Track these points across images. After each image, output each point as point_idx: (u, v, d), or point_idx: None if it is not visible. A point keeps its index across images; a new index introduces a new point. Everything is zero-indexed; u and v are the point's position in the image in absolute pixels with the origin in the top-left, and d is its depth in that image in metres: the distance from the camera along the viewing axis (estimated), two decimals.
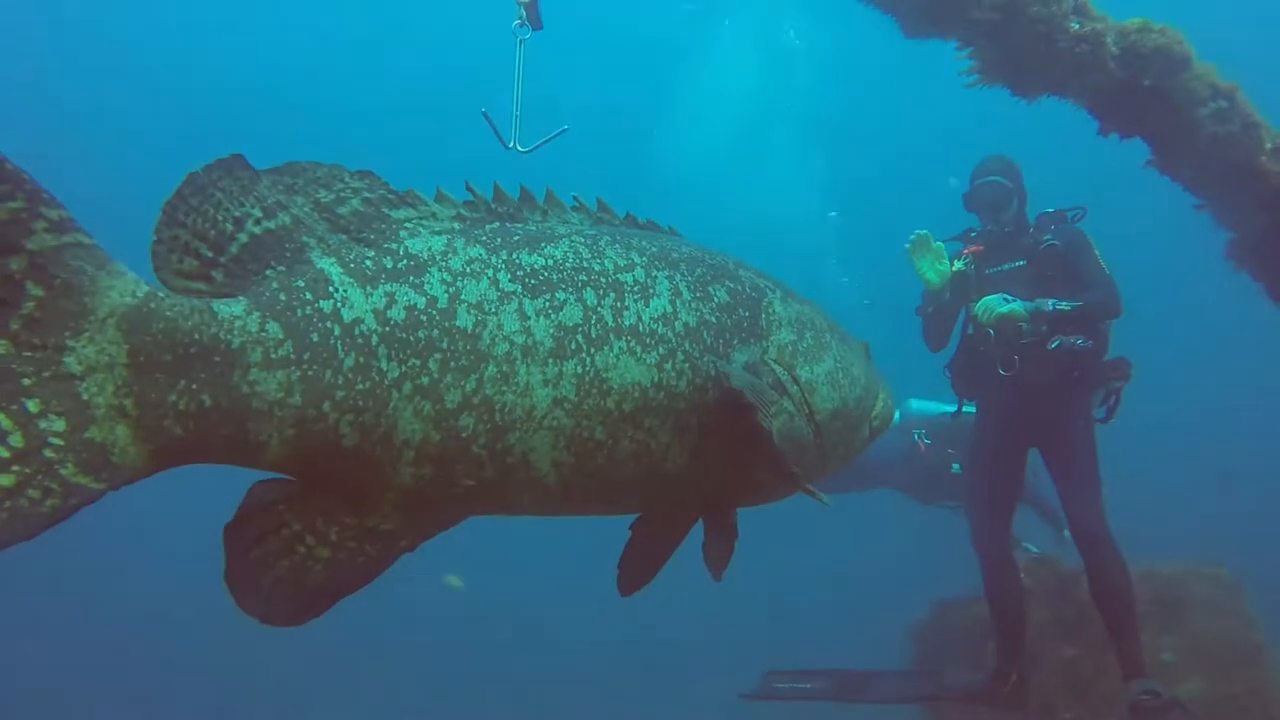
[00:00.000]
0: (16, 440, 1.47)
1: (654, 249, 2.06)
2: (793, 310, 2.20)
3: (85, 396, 1.54)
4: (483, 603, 13.54)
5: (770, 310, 2.15)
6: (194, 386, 1.63)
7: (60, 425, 1.51)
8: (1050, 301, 4.30)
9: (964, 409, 5.00)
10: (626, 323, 1.91)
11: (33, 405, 1.50)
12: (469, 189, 2.01)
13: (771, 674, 5.14)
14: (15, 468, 1.47)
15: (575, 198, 2.14)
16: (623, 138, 18.53)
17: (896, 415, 6.87)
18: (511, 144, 2.77)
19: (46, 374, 1.52)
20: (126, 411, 1.57)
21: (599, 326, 1.89)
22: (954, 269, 4.63)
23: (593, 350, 1.87)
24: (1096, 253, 4.45)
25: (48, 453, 1.49)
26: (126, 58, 19.10)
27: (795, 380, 2.10)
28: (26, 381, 1.51)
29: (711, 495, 2.12)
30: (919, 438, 6.60)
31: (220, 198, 1.74)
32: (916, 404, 6.75)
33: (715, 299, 2.05)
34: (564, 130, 2.92)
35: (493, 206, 2.02)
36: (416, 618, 12.25)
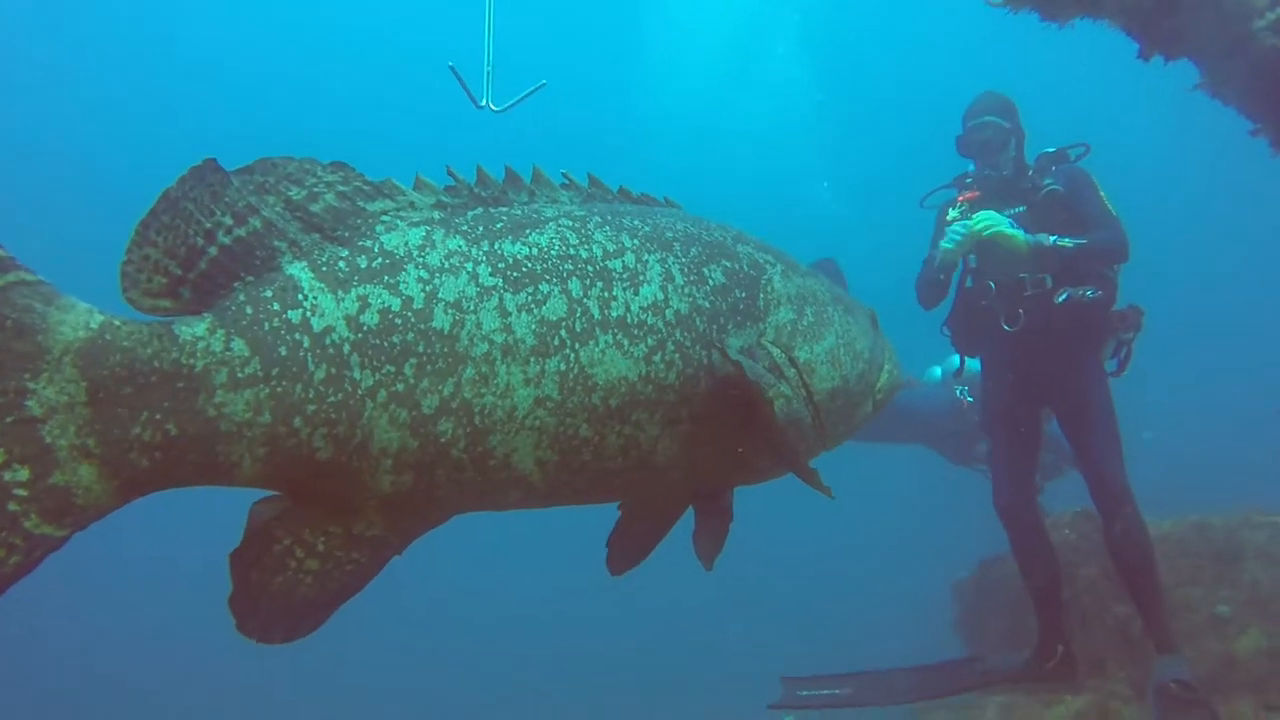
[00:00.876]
0: None
1: (646, 229, 1.98)
2: (793, 286, 2.13)
3: (49, 440, 1.50)
4: (475, 605, 13.52)
5: (769, 289, 2.08)
6: (158, 416, 1.58)
7: (24, 475, 1.48)
8: (1051, 237, 3.98)
9: (967, 365, 4.76)
10: (614, 314, 1.85)
11: None
12: (450, 173, 1.93)
13: (789, 680, 4.91)
14: None
15: (565, 174, 2.06)
16: (608, 61, 18.26)
17: (937, 371, 6.73)
18: (484, 102, 2.54)
19: (10, 420, 1.47)
20: (90, 450, 1.53)
21: (584, 320, 1.83)
22: (948, 219, 4.32)
23: (577, 345, 1.81)
24: (1101, 193, 4.15)
25: (12, 506, 1.46)
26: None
27: (793, 362, 2.04)
28: None
29: (705, 481, 2.09)
30: (961, 394, 6.43)
31: (191, 209, 1.68)
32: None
33: (710, 281, 1.98)
34: (542, 85, 2.70)
35: (476, 191, 1.94)
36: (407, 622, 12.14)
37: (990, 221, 4.06)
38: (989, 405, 4.53)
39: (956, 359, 6.49)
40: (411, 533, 1.85)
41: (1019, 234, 4.02)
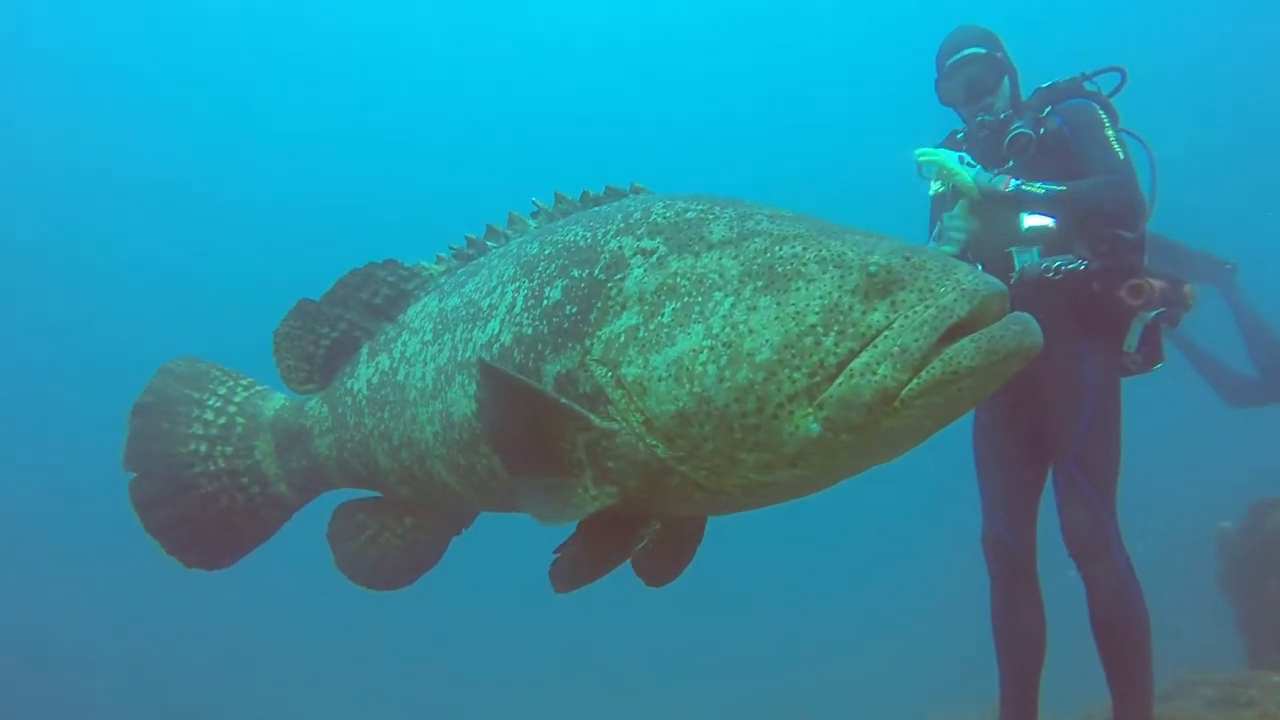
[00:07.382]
0: (253, 492, 2.63)
1: (532, 252, 2.04)
2: (657, 278, 1.72)
3: (264, 470, 2.62)
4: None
5: (613, 293, 1.75)
6: (297, 455, 2.60)
7: (255, 489, 2.62)
8: (1014, 181, 3.08)
9: None
10: (467, 355, 2.05)
11: (250, 482, 2.62)
12: (468, 240, 2.40)
13: None
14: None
15: (534, 202, 2.26)
16: None
17: None
18: None
19: (247, 461, 2.62)
20: (281, 476, 2.62)
21: (452, 364, 2.10)
22: (930, 193, 3.43)
23: (446, 388, 2.10)
24: (1108, 132, 3.16)
25: (248, 502, 2.62)
26: None
27: (620, 383, 1.67)
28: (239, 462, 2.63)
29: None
30: None
31: (299, 334, 2.55)
32: None
33: (545, 302, 1.88)
34: None
35: (464, 251, 2.39)
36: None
37: (931, 157, 3.23)
38: (977, 414, 3.48)
39: None
40: (451, 522, 2.49)
41: (965, 172, 3.14)
